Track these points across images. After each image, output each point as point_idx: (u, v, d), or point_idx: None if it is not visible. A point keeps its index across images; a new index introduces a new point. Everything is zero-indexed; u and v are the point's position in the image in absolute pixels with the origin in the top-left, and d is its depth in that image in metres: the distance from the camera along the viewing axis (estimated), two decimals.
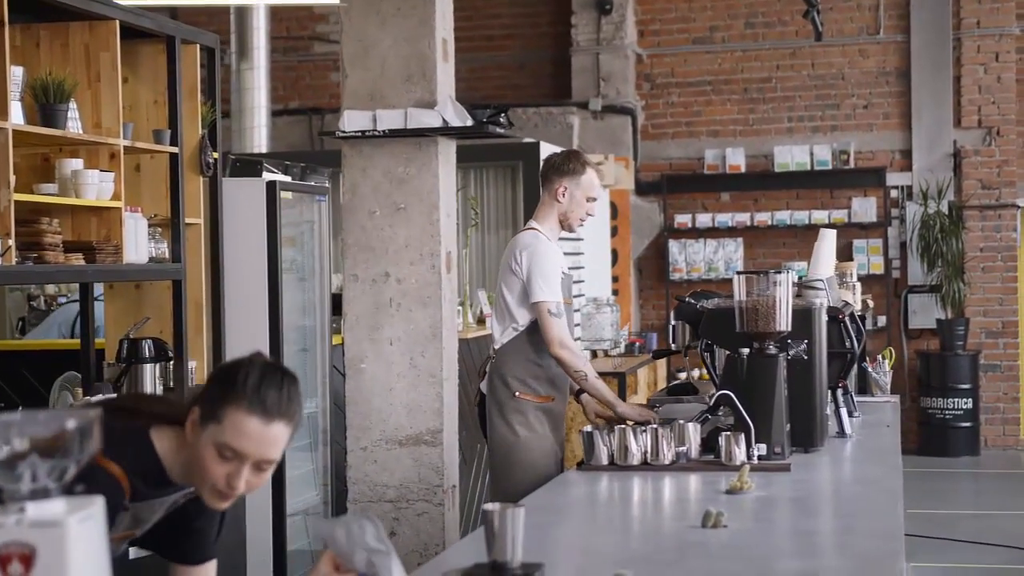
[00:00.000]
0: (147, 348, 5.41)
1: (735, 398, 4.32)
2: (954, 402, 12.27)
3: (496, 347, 5.32)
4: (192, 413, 2.63)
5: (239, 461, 2.58)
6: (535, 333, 5.23)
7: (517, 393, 5.22)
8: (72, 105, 4.93)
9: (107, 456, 2.58)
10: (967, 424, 12.30)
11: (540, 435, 5.21)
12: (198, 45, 5.88)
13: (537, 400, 5.24)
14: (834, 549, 3.17)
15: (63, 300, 8.71)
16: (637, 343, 11.37)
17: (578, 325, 9.95)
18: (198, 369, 5.84)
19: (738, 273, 4.50)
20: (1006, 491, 11.04)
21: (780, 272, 4.45)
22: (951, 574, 8.02)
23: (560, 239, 5.48)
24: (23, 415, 1.76)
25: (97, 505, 1.79)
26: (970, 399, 12.29)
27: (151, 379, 5.40)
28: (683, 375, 12.20)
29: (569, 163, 5.33)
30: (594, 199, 5.37)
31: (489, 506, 2.74)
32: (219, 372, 2.70)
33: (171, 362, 5.55)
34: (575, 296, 6.45)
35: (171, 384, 5.58)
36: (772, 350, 4.42)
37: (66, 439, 1.76)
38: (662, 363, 11.36)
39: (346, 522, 2.55)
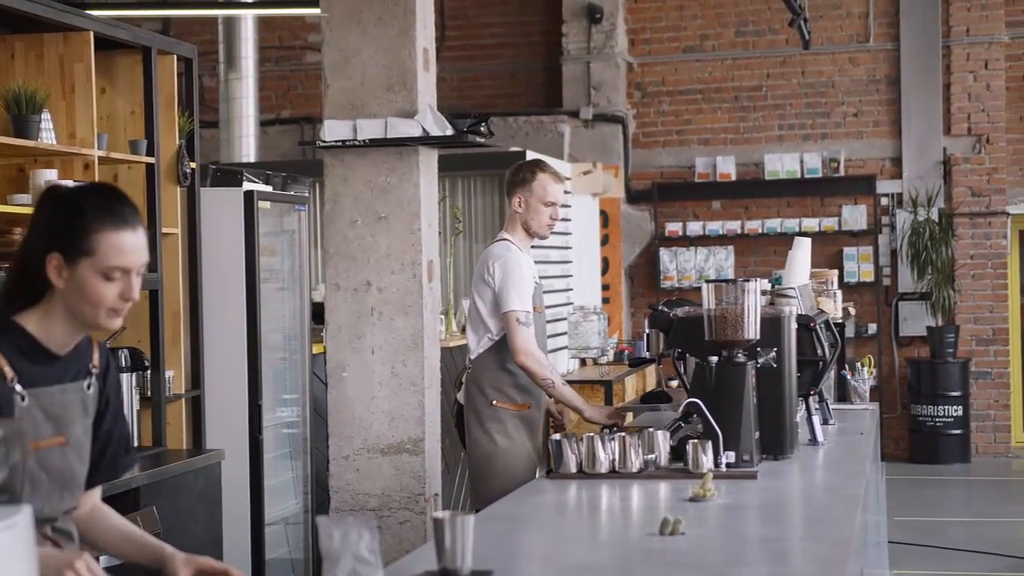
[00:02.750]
0: (124, 358, 5.42)
1: (703, 406, 4.33)
2: (944, 409, 12.27)
3: (472, 357, 5.41)
4: (51, 261, 2.67)
5: (125, 276, 2.69)
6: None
7: (494, 402, 5.32)
8: (45, 116, 4.95)
9: None
10: (958, 431, 12.31)
11: (518, 443, 5.27)
12: (175, 56, 5.90)
13: (514, 408, 5.30)
14: (785, 555, 3.18)
15: None
16: (627, 351, 11.38)
17: (563, 334, 9.97)
18: (175, 379, 5.86)
19: (707, 281, 4.51)
20: (996, 498, 11.04)
21: (749, 280, 4.46)
22: None
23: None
24: None
25: (23, 514, 1.81)
26: (960, 406, 12.29)
27: (128, 389, 5.41)
28: (675, 383, 12.21)
29: (519, 173, 5.48)
30: (552, 203, 5.44)
31: (438, 514, 2.76)
32: (55, 211, 2.70)
33: (148, 371, 5.57)
34: (549, 306, 6.49)
35: (148, 394, 5.60)
36: (741, 358, 4.43)
37: None
38: (651, 371, 11.37)
39: (346, 524, 2.58)
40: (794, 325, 4.74)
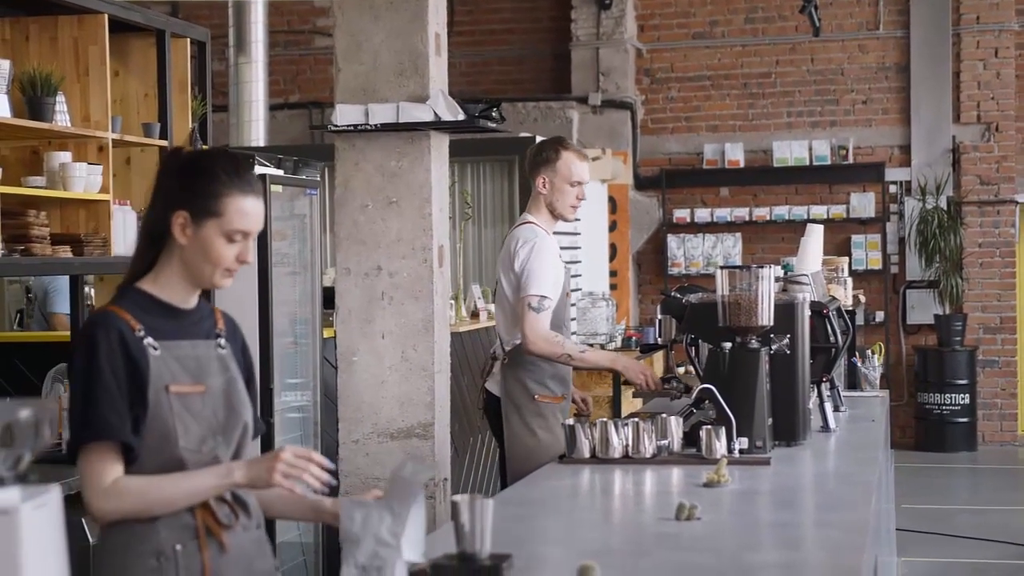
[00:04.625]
0: None
1: (717, 392, 4.33)
2: (951, 397, 12.28)
3: (507, 348, 5.24)
4: (177, 218, 2.80)
5: (245, 239, 2.83)
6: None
7: (537, 396, 5.17)
8: (60, 98, 4.95)
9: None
10: (964, 419, 12.32)
11: (558, 435, 5.15)
12: (188, 39, 5.90)
13: (554, 401, 5.19)
14: (801, 541, 3.18)
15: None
16: (635, 337, 11.38)
17: (572, 320, 9.96)
18: None
19: (721, 267, 4.51)
20: (1002, 486, 11.05)
21: (763, 267, 4.46)
22: (943, 569, 8.04)
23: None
24: None
25: (52, 494, 1.82)
26: (967, 394, 12.30)
27: None
28: (681, 370, 12.21)
29: (543, 152, 5.29)
30: (578, 183, 5.26)
31: (457, 498, 2.76)
32: (186, 172, 2.84)
33: None
34: (572, 291, 6.43)
35: None
36: (754, 344, 4.43)
37: (20, 429, 1.78)
38: (659, 357, 11.37)
39: (368, 507, 2.60)
40: (807, 312, 4.73)
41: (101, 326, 2.78)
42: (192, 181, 2.82)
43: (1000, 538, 8.65)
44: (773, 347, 4.51)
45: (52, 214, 5.09)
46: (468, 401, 7.43)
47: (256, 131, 10.52)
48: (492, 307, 8.38)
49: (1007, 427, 12.68)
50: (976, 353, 12.47)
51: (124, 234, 5.27)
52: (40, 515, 1.78)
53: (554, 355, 5.08)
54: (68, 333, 5.76)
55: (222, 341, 2.94)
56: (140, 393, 2.76)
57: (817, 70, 12.95)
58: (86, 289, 6.28)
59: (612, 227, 12.48)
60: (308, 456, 2.77)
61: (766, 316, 4.42)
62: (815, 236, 5.60)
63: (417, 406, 5.91)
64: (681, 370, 11.35)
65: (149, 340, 2.78)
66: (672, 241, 12.99)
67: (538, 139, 10.16)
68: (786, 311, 4.58)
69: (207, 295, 3.15)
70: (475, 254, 9.93)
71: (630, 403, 9.23)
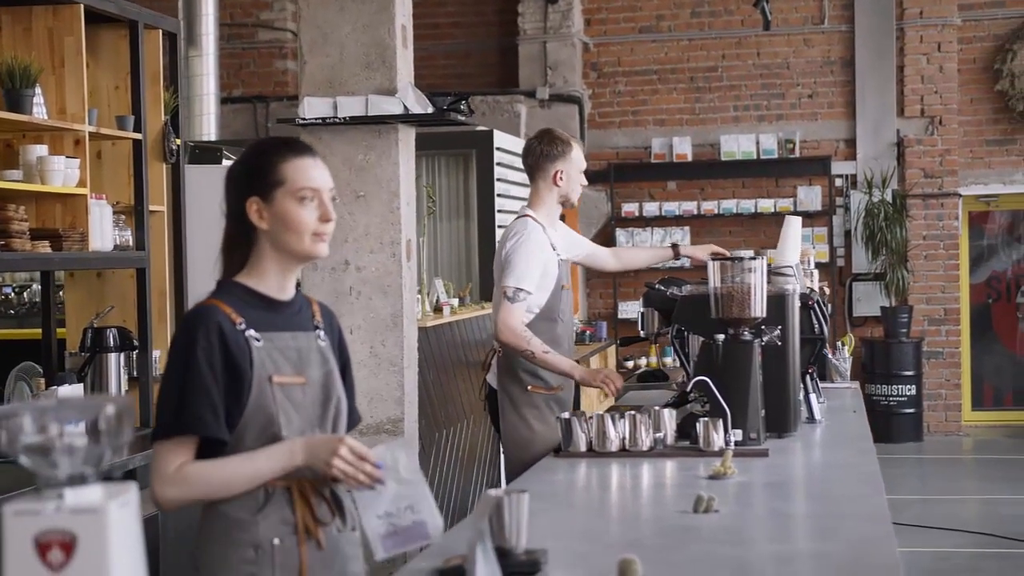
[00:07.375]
0: (111, 337, 5.34)
1: (711, 384, 4.33)
2: (898, 389, 12.41)
3: (502, 340, 5.16)
4: (251, 207, 2.85)
5: (317, 197, 2.86)
6: (541, 323, 5.14)
7: (529, 387, 5.17)
8: (38, 90, 4.85)
9: None
10: (910, 410, 12.45)
11: (553, 427, 5.09)
12: (160, 31, 5.80)
13: (547, 392, 5.17)
14: (827, 532, 3.17)
15: (7, 290, 8.61)
16: (588, 332, 11.41)
17: None
18: (162, 358, 5.77)
19: (713, 259, 4.51)
20: (949, 476, 11.18)
21: (755, 258, 4.46)
22: (908, 559, 8.10)
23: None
24: (59, 401, 1.73)
25: (132, 491, 1.77)
26: (913, 386, 12.43)
27: (115, 368, 5.33)
28: (630, 363, 12.26)
29: (557, 147, 5.30)
30: (583, 169, 5.41)
31: (494, 492, 2.73)
32: (243, 165, 2.91)
33: (135, 351, 5.48)
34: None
35: (135, 374, 5.51)
36: (747, 336, 4.44)
37: (105, 425, 1.74)
38: (612, 351, 11.42)
39: (380, 453, 2.60)
40: (797, 303, 4.75)
41: (202, 320, 2.80)
42: (250, 168, 2.88)
43: (949, 527, 8.76)
44: (765, 339, 4.51)
45: (28, 208, 4.98)
46: (434, 396, 7.39)
47: (208, 125, 10.38)
48: (455, 302, 8.36)
49: (952, 417, 12.83)
50: (922, 345, 12.61)
51: (101, 229, 5.17)
52: (124, 513, 1.74)
53: (518, 348, 5.07)
54: (39, 331, 5.65)
55: (321, 333, 2.95)
56: (239, 385, 2.77)
57: (763, 64, 13.03)
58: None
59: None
60: (363, 455, 2.75)
61: (759, 308, 4.43)
62: (794, 228, 5.62)
63: (386, 401, 5.89)
64: (643, 362, 11.38)
65: (251, 332, 2.82)
66: (621, 235, 13.00)
67: (496, 133, 10.17)
68: (777, 302, 4.59)
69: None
70: (432, 248, 9.88)
71: (589, 400, 9.24)
